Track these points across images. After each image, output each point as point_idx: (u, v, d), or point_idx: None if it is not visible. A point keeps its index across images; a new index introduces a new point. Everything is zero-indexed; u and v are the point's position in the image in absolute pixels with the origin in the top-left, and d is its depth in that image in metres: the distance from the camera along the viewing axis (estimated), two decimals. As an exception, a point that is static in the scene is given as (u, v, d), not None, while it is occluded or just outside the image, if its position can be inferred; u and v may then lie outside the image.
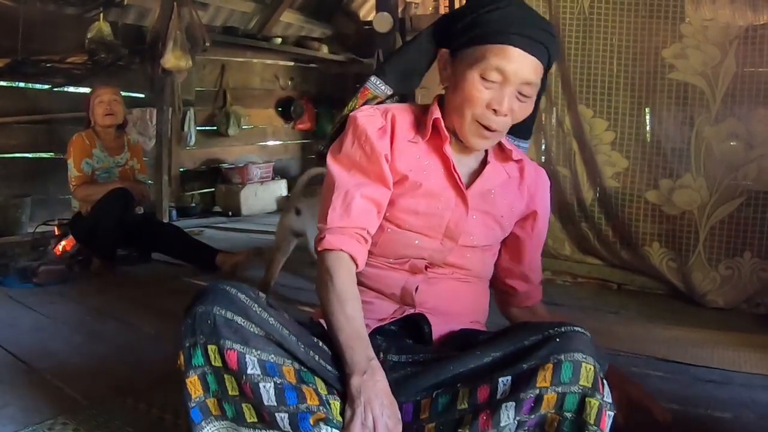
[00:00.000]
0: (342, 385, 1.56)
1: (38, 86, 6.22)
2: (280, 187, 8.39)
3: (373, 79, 1.99)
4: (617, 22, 4.14)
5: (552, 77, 4.37)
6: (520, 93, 1.72)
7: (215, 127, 8.11)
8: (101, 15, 6.10)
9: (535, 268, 2.09)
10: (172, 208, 7.00)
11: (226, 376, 1.45)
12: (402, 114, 1.89)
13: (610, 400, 1.41)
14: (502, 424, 1.41)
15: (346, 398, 1.53)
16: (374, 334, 1.77)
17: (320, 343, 1.63)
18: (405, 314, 1.81)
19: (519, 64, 1.69)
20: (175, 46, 5.96)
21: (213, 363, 1.44)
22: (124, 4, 6.27)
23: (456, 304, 1.87)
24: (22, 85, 6.14)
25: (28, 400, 2.45)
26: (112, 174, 4.94)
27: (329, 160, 1.85)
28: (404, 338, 1.82)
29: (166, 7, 6.06)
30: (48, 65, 5.93)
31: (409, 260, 1.84)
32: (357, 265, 1.77)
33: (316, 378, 1.54)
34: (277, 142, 9.22)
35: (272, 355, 1.47)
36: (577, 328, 1.47)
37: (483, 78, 1.71)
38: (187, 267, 4.78)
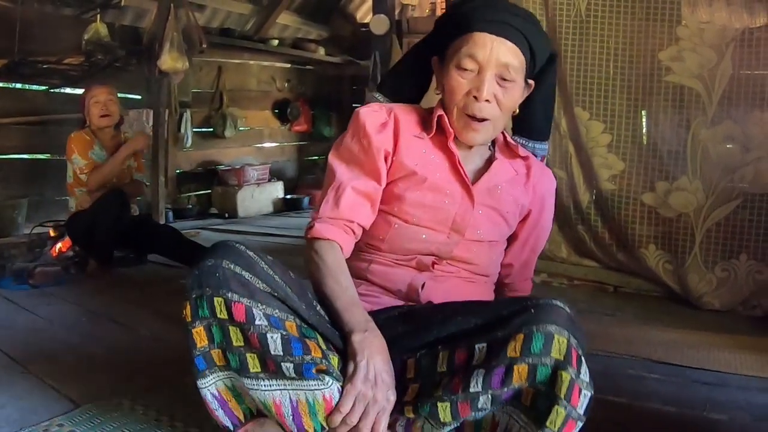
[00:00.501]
0: (342, 343, 1.60)
1: (35, 87, 6.23)
2: (277, 189, 8.40)
3: (376, 95, 2.05)
4: (614, 24, 4.14)
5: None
6: (501, 78, 1.75)
7: (212, 129, 8.13)
8: (98, 16, 6.12)
9: (528, 267, 2.16)
10: (168, 209, 7.00)
11: (231, 327, 1.48)
12: (407, 112, 1.92)
13: (587, 379, 1.41)
14: (471, 390, 1.42)
15: (346, 356, 1.57)
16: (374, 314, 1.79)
17: (318, 307, 1.67)
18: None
19: (489, 48, 1.73)
20: (172, 47, 5.96)
21: (218, 315, 1.48)
22: (121, 6, 6.29)
23: (463, 298, 1.85)
24: (18, 86, 6.15)
25: (24, 402, 2.44)
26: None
27: (331, 152, 1.91)
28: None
29: (163, 9, 6.07)
30: (45, 66, 5.94)
31: (416, 257, 1.86)
32: (346, 254, 1.82)
33: (317, 333, 1.58)
34: (274, 144, 9.22)
35: (276, 310, 1.51)
36: (555, 301, 1.48)
37: (459, 68, 1.77)
38: (184, 269, 4.77)
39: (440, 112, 1.87)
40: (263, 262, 1.56)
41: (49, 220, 5.35)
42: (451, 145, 1.86)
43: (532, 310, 1.44)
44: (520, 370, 1.39)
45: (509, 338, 1.42)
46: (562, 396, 1.37)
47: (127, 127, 5.84)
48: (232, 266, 1.49)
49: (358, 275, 1.88)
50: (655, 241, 4.11)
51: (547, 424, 1.39)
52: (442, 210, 1.84)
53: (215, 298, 1.46)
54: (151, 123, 6.75)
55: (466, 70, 1.76)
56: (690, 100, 3.97)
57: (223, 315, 1.47)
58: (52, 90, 6.30)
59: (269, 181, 8.38)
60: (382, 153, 1.84)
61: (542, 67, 1.93)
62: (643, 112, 4.19)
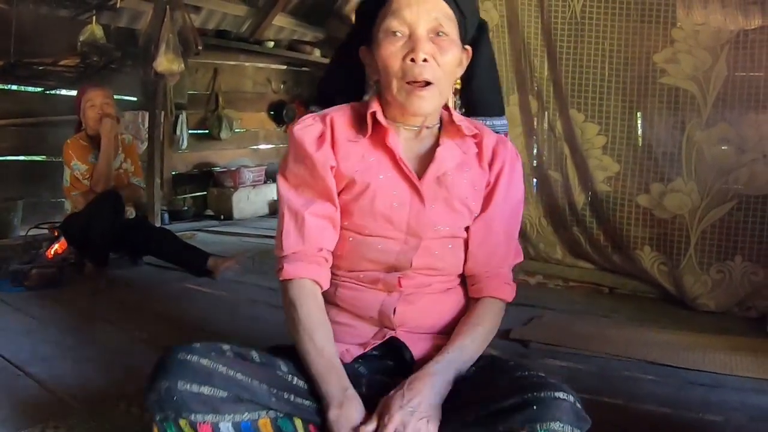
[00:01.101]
0: (321, 418, 1.54)
1: (31, 89, 6.23)
2: (272, 191, 8.39)
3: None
4: (608, 26, 4.16)
5: (544, 82, 4.41)
6: (435, 34, 1.68)
7: (207, 131, 8.12)
8: (94, 18, 6.12)
9: (496, 254, 1.88)
10: (164, 211, 7.00)
11: None
12: (342, 115, 1.83)
13: None
14: None
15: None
16: (357, 361, 1.75)
17: (294, 380, 1.60)
18: (386, 338, 1.75)
19: (415, 5, 1.67)
20: (168, 49, 5.97)
21: None
22: (116, 7, 6.28)
23: (438, 319, 1.81)
24: (14, 87, 6.15)
25: (19, 404, 2.44)
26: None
27: (278, 179, 1.82)
28: (387, 364, 1.77)
29: (159, 11, 6.08)
30: (40, 68, 5.94)
31: (380, 278, 1.77)
32: (321, 286, 1.76)
33: (295, 420, 1.53)
34: (269, 146, 9.20)
35: (246, 414, 1.46)
36: (557, 393, 1.40)
37: (388, 34, 1.69)
38: (179, 271, 4.78)
39: (373, 108, 1.76)
40: (220, 366, 1.47)
41: (45, 222, 5.34)
42: (390, 141, 1.75)
43: (535, 407, 1.37)
44: None
45: None
46: None
47: (123, 129, 5.84)
48: (188, 386, 1.41)
49: (327, 301, 1.81)
50: (650, 243, 4.13)
51: None
52: (393, 215, 1.74)
53: (180, 420, 1.41)
54: (146, 125, 6.76)
55: (396, 34, 1.68)
56: (685, 102, 3.98)
57: None
58: (47, 92, 6.30)
59: (265, 182, 8.36)
60: (328, 168, 1.75)
61: (474, 36, 1.87)
62: (639, 114, 4.21)
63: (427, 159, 1.80)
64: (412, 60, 1.65)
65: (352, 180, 1.75)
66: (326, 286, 1.77)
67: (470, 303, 1.87)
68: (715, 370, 2.90)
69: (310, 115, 1.84)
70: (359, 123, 1.80)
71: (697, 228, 3.97)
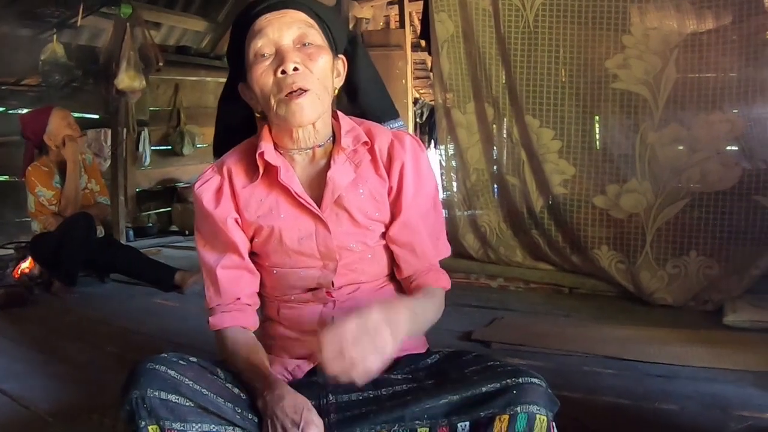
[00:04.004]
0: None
1: (-7, 109, 6.23)
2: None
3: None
4: (561, 34, 4.30)
5: (500, 89, 4.55)
6: (301, 43, 1.69)
7: (170, 147, 8.14)
8: (54, 37, 6.14)
9: (423, 253, 1.86)
10: (128, 228, 7.01)
11: None
12: (237, 161, 1.83)
13: None
14: None
15: None
16: (311, 375, 1.80)
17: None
18: None
19: (275, 23, 1.69)
20: (129, 66, 6.00)
21: None
22: (77, 26, 6.30)
23: None
24: (-24, 108, 6.14)
25: (-6, 420, 2.47)
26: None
27: (195, 236, 1.89)
28: None
29: (119, 28, 6.11)
30: (3, 88, 5.94)
31: (311, 297, 1.83)
32: (248, 328, 1.83)
33: None
34: (233, 160, 9.19)
35: (212, 426, 1.51)
36: (533, 380, 1.50)
37: (257, 57, 1.68)
38: (146, 287, 4.81)
39: (261, 147, 1.75)
40: (187, 379, 1.53)
41: (11, 242, 5.34)
42: (282, 179, 1.74)
43: (514, 391, 1.47)
44: None
45: (494, 418, 1.47)
46: None
47: (85, 148, 5.85)
48: (157, 393, 1.47)
49: (273, 320, 1.90)
50: (607, 242, 4.25)
51: None
52: (303, 248, 1.78)
53: (149, 427, 1.47)
54: (109, 142, 6.77)
55: (264, 55, 1.67)
56: (637, 105, 4.12)
57: None
58: (10, 111, 6.29)
59: (230, 197, 8.36)
60: (230, 223, 1.79)
61: (348, 50, 1.89)
62: (594, 119, 4.34)
63: (323, 183, 1.77)
64: (283, 72, 1.64)
65: (258, 226, 1.78)
66: (253, 326, 1.85)
67: (404, 284, 1.91)
68: (671, 362, 2.99)
69: (210, 167, 1.86)
70: (253, 165, 1.78)
71: (653, 226, 4.09)
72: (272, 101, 1.68)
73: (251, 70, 1.69)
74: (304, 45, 1.69)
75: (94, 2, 6.29)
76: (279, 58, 1.66)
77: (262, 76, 1.67)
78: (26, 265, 4.84)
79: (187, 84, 8.32)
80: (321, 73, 1.69)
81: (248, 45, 1.70)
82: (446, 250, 1.93)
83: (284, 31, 1.67)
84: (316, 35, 1.71)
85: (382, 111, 1.95)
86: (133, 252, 5.09)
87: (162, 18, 7.56)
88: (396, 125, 2.00)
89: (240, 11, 1.76)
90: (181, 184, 8.19)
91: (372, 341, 1.44)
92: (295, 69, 1.65)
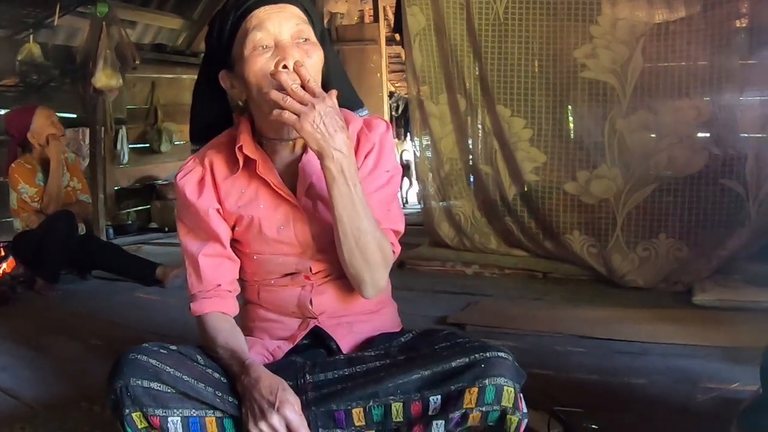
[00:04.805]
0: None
1: (-30, 110, 6.22)
2: (216, 201, 8.42)
3: (194, 148, 1.99)
4: (531, 26, 4.42)
5: (471, 81, 4.66)
6: (299, 40, 1.73)
7: (148, 145, 8.14)
8: (31, 37, 6.15)
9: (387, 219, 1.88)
10: (108, 226, 7.01)
11: None
12: (219, 152, 1.87)
13: (525, 411, 1.56)
14: None
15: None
16: (291, 355, 1.86)
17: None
18: (309, 328, 1.87)
19: (276, 18, 1.71)
20: (106, 65, 6.03)
21: (139, 427, 1.54)
22: (53, 25, 6.30)
23: (353, 302, 1.90)
24: (-46, 109, 6.14)
25: (-18, 412, 2.52)
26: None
27: (177, 224, 1.93)
28: (319, 351, 1.87)
29: (95, 27, 6.13)
30: (-20, 88, 5.96)
31: (290, 281, 1.89)
32: (228, 314, 1.88)
33: (237, 421, 1.64)
34: (211, 157, 9.20)
35: (193, 410, 1.58)
36: (500, 354, 1.56)
37: (256, 49, 1.70)
38: (128, 282, 4.86)
39: (241, 141, 1.79)
40: (168, 367, 1.58)
41: (-7, 241, 5.37)
42: (260, 171, 1.78)
43: (482, 365, 1.54)
44: (474, 416, 1.53)
45: (464, 391, 1.53)
46: None
47: (65, 147, 5.88)
48: (139, 382, 1.52)
49: (253, 303, 1.96)
50: (579, 227, 4.36)
51: None
52: (282, 236, 1.83)
53: (133, 414, 1.53)
54: (87, 141, 6.79)
55: (263, 47, 1.69)
56: (606, 93, 4.24)
57: (143, 425, 1.54)
58: (-13, 112, 6.30)
59: (208, 193, 8.37)
60: (212, 213, 1.83)
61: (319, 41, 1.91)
62: (566, 107, 4.46)
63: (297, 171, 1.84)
64: (284, 67, 1.66)
65: (239, 216, 1.83)
66: (233, 312, 1.90)
67: None
68: (640, 340, 3.10)
69: (191, 158, 1.91)
70: (233, 158, 1.83)
71: (623, 210, 4.21)
72: (268, 95, 1.66)
73: (248, 61, 1.70)
74: (301, 40, 1.73)
75: (70, 2, 6.29)
76: (280, 52, 1.69)
77: (262, 66, 1.69)
78: (7, 264, 4.86)
79: (163, 82, 8.33)
80: (316, 69, 1.74)
81: (242, 36, 1.72)
82: (399, 222, 1.92)
83: (284, 26, 1.71)
84: (309, 31, 1.76)
85: (350, 101, 1.97)
86: (114, 248, 5.15)
87: (137, 16, 7.57)
88: (362, 114, 2.03)
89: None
90: (159, 182, 8.20)
91: (336, 121, 1.61)
92: (301, 65, 1.67)
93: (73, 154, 5.54)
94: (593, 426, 2.16)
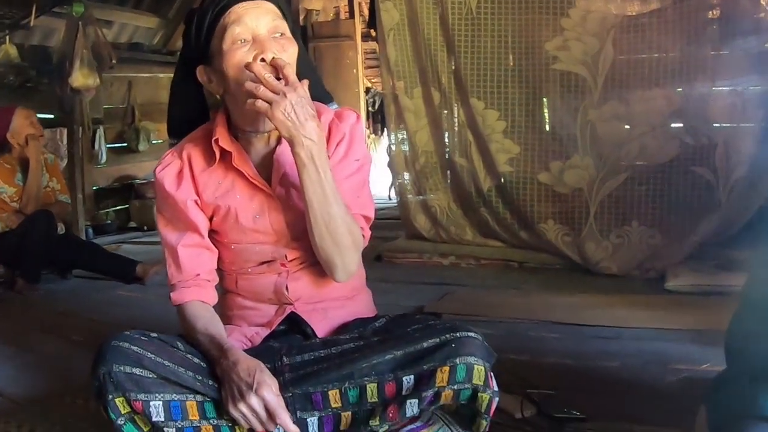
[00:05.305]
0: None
1: (-53, 111, 6.20)
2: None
3: (172, 142, 2.04)
4: (503, 20, 4.50)
5: (445, 75, 4.72)
6: (276, 34, 1.77)
7: (125, 144, 8.12)
8: (7, 38, 6.14)
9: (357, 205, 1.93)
10: (88, 226, 7.00)
11: (136, 416, 1.61)
12: (195, 145, 1.92)
13: (496, 389, 1.62)
14: (407, 415, 1.63)
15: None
16: (268, 341, 1.92)
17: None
18: (286, 314, 1.93)
19: (253, 13, 1.75)
20: (82, 64, 6.03)
21: (122, 412, 1.59)
22: (29, 26, 6.30)
23: (328, 287, 1.94)
24: (-69, 111, 6.11)
25: (-32, 407, 2.55)
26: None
27: (156, 216, 1.99)
28: (296, 336, 1.93)
29: (72, 27, 6.12)
30: (-43, 90, 5.95)
31: (267, 269, 1.94)
32: (208, 303, 1.93)
33: (214, 404, 1.70)
34: (189, 155, 9.20)
35: (174, 395, 1.63)
36: (470, 334, 1.63)
37: (235, 43, 1.74)
38: (109, 280, 4.87)
39: (216, 134, 1.84)
40: (149, 353, 1.62)
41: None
42: (236, 163, 1.84)
43: (453, 345, 1.60)
44: (447, 395, 1.59)
45: (435, 370, 1.59)
46: (483, 411, 1.61)
47: (43, 148, 5.88)
48: (122, 368, 1.56)
49: (232, 291, 2.01)
50: (553, 216, 4.45)
51: (473, 429, 1.66)
52: (258, 226, 1.88)
53: (116, 399, 1.57)
54: (65, 141, 6.79)
55: (242, 41, 1.74)
56: (577, 84, 4.33)
57: (126, 410, 1.59)
58: (-36, 113, 6.29)
59: (186, 191, 8.36)
60: (190, 204, 1.88)
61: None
62: (539, 99, 4.54)
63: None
64: (263, 60, 1.71)
65: (216, 206, 1.89)
66: (212, 301, 1.95)
67: None
68: (614, 325, 3.18)
69: (169, 151, 1.96)
70: (210, 151, 1.87)
71: (596, 199, 4.29)
72: (246, 87, 1.71)
73: (227, 55, 1.74)
74: (277, 35, 1.77)
75: (46, 2, 6.27)
76: (258, 46, 1.73)
77: (239, 58, 1.73)
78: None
79: (140, 81, 8.31)
80: (290, 62, 1.78)
81: (221, 31, 1.76)
82: (369, 208, 1.97)
83: (261, 20, 1.75)
84: (285, 27, 1.80)
85: (318, 96, 1.98)
86: (94, 247, 5.16)
87: (114, 15, 7.57)
88: (332, 108, 2.06)
89: None
90: (138, 181, 8.18)
91: (308, 110, 1.66)
92: (281, 59, 1.73)
93: (52, 155, 5.54)
94: (575, 412, 2.21)
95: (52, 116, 6.90)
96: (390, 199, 6.89)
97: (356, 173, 1.92)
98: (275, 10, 1.80)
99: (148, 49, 8.09)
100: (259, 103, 1.64)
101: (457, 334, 1.63)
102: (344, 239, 1.78)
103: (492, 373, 1.62)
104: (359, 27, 8.39)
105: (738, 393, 1.43)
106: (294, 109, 1.64)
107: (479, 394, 1.59)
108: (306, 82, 1.70)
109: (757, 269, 1.52)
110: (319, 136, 1.69)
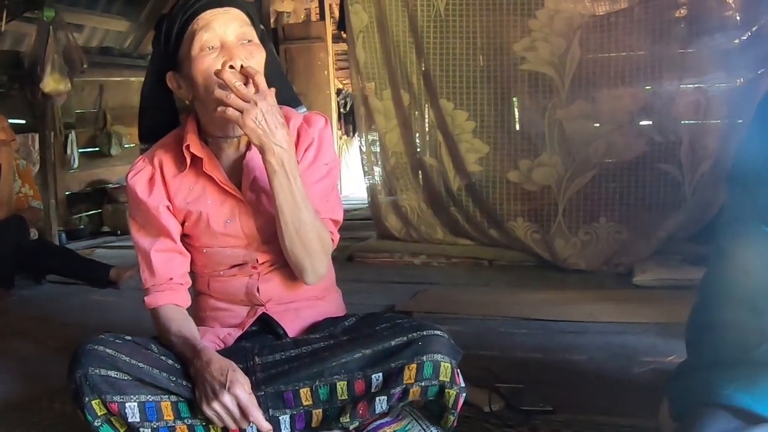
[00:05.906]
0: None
1: None
2: (168, 202, 8.40)
3: (141, 146, 2.08)
4: (471, 21, 4.56)
5: (414, 76, 4.78)
6: (243, 41, 1.79)
7: (98, 148, 8.09)
8: (-22, 44, 6.13)
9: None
10: (61, 231, 6.97)
11: (113, 418, 1.64)
12: (167, 152, 1.94)
13: (463, 385, 1.68)
14: (377, 412, 1.68)
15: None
16: (240, 341, 1.95)
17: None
18: (257, 315, 1.96)
19: (221, 19, 1.77)
20: (53, 69, 6.02)
21: (99, 414, 1.62)
22: (0, 31, 6.29)
23: (298, 289, 1.97)
24: None
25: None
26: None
27: (129, 222, 2.01)
28: (267, 336, 1.97)
29: (42, 32, 6.10)
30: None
31: (238, 271, 1.98)
32: (181, 305, 1.95)
33: (188, 404, 1.73)
34: (162, 159, 9.17)
35: (149, 396, 1.66)
36: (436, 332, 1.68)
37: (203, 50, 1.76)
38: (82, 285, 4.87)
39: (187, 140, 1.86)
40: (123, 355, 1.64)
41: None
42: (207, 169, 1.86)
43: (420, 343, 1.65)
44: (414, 391, 1.64)
45: (403, 368, 1.64)
46: (450, 406, 1.67)
47: (15, 153, 5.87)
48: (97, 371, 1.59)
49: (204, 293, 2.04)
50: (522, 214, 4.52)
51: (441, 424, 1.73)
52: (228, 230, 1.91)
53: (93, 402, 1.61)
54: (37, 147, 6.77)
55: (210, 48, 1.75)
56: (545, 84, 4.41)
57: (103, 412, 1.62)
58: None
59: (160, 194, 8.34)
60: (162, 210, 1.90)
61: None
62: (509, 99, 4.62)
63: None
64: (231, 67, 1.73)
65: (188, 211, 1.91)
66: (185, 304, 1.98)
67: None
68: (581, 319, 3.24)
69: (141, 157, 1.98)
70: (181, 156, 1.89)
71: (564, 196, 4.37)
72: (214, 93, 1.72)
73: (196, 61, 1.76)
74: (245, 42, 1.80)
75: (16, 7, 6.27)
76: (226, 53, 1.75)
77: (209, 65, 1.75)
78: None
79: (111, 85, 8.28)
80: (260, 65, 1.81)
81: (189, 38, 1.78)
82: (338, 212, 2.00)
83: (229, 27, 1.78)
84: (253, 33, 1.83)
85: (287, 100, 2.03)
86: (67, 252, 5.14)
87: (84, 20, 7.54)
88: (301, 112, 2.09)
89: (182, 2, 1.83)
90: (110, 185, 8.13)
91: (277, 118, 1.70)
92: (248, 65, 1.76)
93: (24, 160, 5.52)
94: (542, 405, 2.25)
95: (23, 121, 6.85)
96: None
97: (325, 177, 1.95)
98: (243, 17, 1.83)
99: (119, 52, 8.06)
100: (230, 111, 1.67)
101: (424, 333, 1.68)
102: (314, 244, 1.82)
103: (458, 370, 1.67)
104: (330, 29, 8.41)
105: (696, 382, 1.48)
106: (265, 117, 1.67)
107: (446, 390, 1.65)
108: (272, 90, 1.72)
109: (711, 262, 1.58)
110: (289, 143, 1.73)
